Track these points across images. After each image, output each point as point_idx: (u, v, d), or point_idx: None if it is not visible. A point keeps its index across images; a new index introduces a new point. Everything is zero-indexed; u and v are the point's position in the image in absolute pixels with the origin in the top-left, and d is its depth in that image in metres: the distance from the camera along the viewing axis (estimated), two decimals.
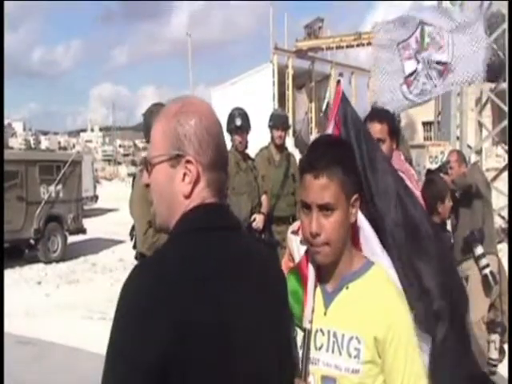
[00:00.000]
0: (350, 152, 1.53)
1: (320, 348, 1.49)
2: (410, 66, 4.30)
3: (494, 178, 9.79)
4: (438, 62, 4.17)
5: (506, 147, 9.22)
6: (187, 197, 1.16)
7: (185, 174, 1.15)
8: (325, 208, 1.41)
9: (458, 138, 10.23)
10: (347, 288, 1.48)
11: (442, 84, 4.19)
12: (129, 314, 1.04)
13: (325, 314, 1.50)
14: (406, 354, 1.42)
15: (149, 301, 1.02)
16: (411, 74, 4.27)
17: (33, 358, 5.23)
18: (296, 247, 2.63)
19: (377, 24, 4.67)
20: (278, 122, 5.29)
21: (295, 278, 1.59)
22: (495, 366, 2.92)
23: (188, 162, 1.14)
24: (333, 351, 1.47)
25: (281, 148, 5.37)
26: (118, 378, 1.02)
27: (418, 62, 4.24)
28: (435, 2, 10.16)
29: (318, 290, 1.53)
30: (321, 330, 1.50)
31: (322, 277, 1.53)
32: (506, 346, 3.44)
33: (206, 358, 1.03)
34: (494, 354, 3.55)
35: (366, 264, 1.51)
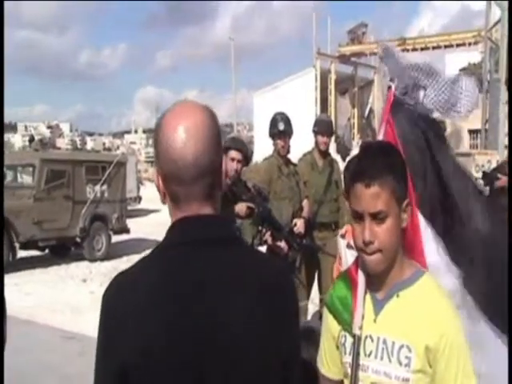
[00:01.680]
0: (400, 157, 1.51)
1: (369, 355, 1.49)
2: None
3: None
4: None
5: None
6: (171, 208, 1.20)
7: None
8: (377, 216, 1.41)
9: (506, 147, 9.94)
10: (398, 296, 1.48)
11: None
12: (100, 324, 1.14)
13: (374, 320, 1.50)
14: (457, 363, 1.42)
15: (111, 319, 1.11)
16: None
17: (77, 353, 5.37)
18: (343, 251, 2.64)
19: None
20: (323, 128, 5.23)
21: (344, 284, 1.60)
22: None
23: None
24: (382, 358, 1.47)
25: (324, 154, 5.32)
26: (95, 375, 1.14)
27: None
28: (482, 9, 9.92)
29: (368, 296, 1.53)
30: (370, 337, 1.50)
31: (372, 283, 1.53)
32: None
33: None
34: None
35: (417, 272, 1.51)
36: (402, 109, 1.78)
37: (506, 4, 8.20)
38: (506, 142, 9.77)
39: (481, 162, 8.16)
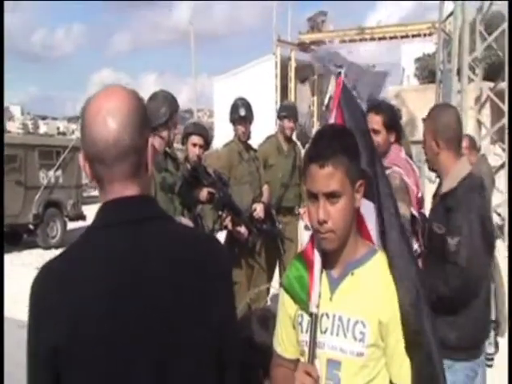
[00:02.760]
0: (353, 139, 1.55)
1: (325, 332, 1.53)
2: None
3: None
4: None
5: (504, 146, 9.22)
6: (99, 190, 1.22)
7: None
8: (331, 196, 1.45)
9: None
10: (352, 274, 1.53)
11: None
12: (30, 308, 1.17)
13: (330, 299, 1.54)
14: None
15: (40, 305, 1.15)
16: None
17: None
18: (302, 233, 2.65)
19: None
20: (290, 113, 5.28)
21: (300, 264, 1.62)
22: (492, 359, 2.99)
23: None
24: (337, 334, 1.51)
25: (289, 139, 5.38)
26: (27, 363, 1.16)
27: None
28: (436, 3, 10.15)
29: (324, 275, 1.57)
30: (326, 315, 1.54)
31: (328, 262, 1.57)
32: (498, 339, 3.54)
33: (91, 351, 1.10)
34: (490, 349, 3.60)
35: (371, 251, 1.56)
36: (349, 95, 1.82)
37: None
38: None
39: None
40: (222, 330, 1.21)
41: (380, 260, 1.55)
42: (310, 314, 1.55)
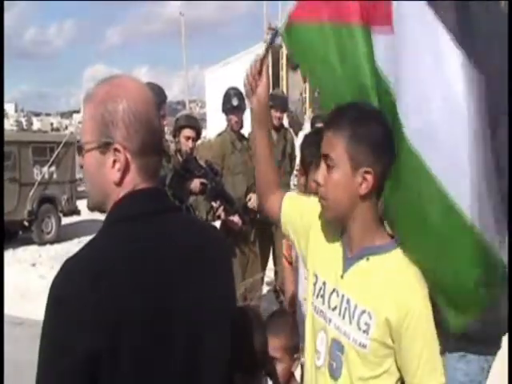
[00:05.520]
0: (378, 128, 1.45)
1: (334, 309, 1.50)
2: None
3: None
4: None
5: None
6: (118, 184, 1.16)
7: (114, 161, 1.15)
8: (326, 160, 1.46)
9: None
10: (368, 259, 1.47)
11: None
12: (50, 318, 1.06)
13: (342, 276, 1.51)
14: (424, 343, 1.40)
15: (78, 297, 1.03)
16: None
17: (27, 339, 5.22)
18: None
19: None
20: (277, 103, 5.24)
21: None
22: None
23: (116, 149, 1.14)
24: (344, 317, 1.47)
25: (277, 128, 5.34)
26: (54, 370, 1.03)
27: None
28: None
29: (341, 250, 1.54)
30: (336, 292, 1.51)
31: (345, 238, 1.54)
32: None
33: (140, 344, 1.06)
34: None
35: (391, 243, 1.49)
36: None
37: None
38: None
39: None
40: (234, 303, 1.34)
41: (399, 255, 1.47)
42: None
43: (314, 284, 1.59)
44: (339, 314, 1.48)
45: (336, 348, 1.49)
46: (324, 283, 1.55)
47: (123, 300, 1.05)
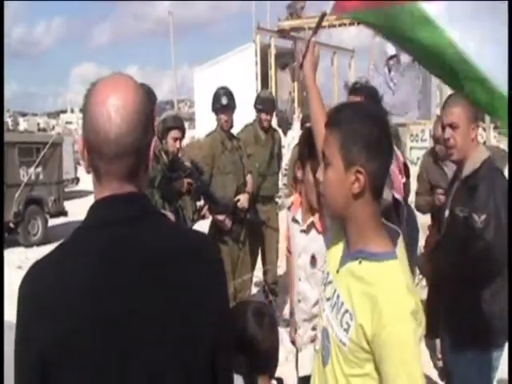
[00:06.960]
0: (371, 128, 1.43)
1: (328, 300, 1.54)
2: None
3: None
4: None
5: (484, 125, 9.30)
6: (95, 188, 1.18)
7: None
8: (323, 157, 1.50)
9: (438, 117, 10.26)
10: (360, 262, 1.44)
11: None
12: (19, 310, 1.12)
13: (337, 271, 1.53)
14: (399, 362, 1.32)
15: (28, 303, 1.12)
16: None
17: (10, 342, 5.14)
18: (290, 224, 2.62)
19: None
20: (266, 106, 5.27)
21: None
22: None
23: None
24: (332, 310, 1.50)
25: (266, 129, 5.37)
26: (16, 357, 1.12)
27: None
28: None
29: (344, 245, 1.55)
30: (332, 284, 1.54)
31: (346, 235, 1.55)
32: None
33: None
34: None
35: (387, 253, 1.43)
36: None
37: None
38: (438, 111, 10.10)
39: (415, 131, 8.45)
40: (220, 317, 1.20)
41: (393, 267, 1.41)
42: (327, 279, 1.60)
43: (323, 271, 1.66)
44: (331, 305, 1.52)
45: (325, 337, 1.53)
46: (328, 273, 1.59)
47: (74, 306, 1.07)
